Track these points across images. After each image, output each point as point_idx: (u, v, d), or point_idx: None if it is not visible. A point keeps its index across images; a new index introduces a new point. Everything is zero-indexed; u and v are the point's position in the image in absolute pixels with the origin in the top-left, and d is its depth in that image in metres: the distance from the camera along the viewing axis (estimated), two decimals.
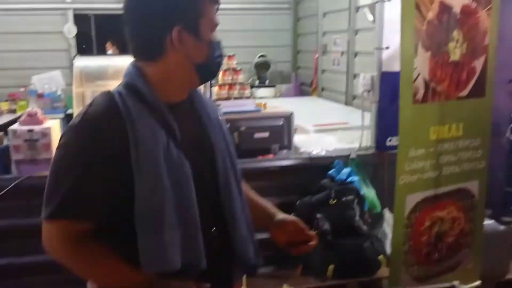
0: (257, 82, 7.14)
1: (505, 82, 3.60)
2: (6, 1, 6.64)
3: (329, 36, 6.44)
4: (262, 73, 7.23)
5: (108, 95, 1.16)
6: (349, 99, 5.69)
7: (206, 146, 1.25)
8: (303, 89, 7.40)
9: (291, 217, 1.41)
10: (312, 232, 1.39)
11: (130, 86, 1.17)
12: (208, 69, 1.23)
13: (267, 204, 1.46)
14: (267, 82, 7.19)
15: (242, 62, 7.12)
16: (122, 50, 8.87)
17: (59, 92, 5.90)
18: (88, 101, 1.37)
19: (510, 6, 3.60)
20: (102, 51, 7.73)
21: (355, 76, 5.62)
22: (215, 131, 1.28)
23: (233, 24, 7.43)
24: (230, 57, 3.82)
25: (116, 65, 3.44)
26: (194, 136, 1.23)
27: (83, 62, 4.00)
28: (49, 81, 5.98)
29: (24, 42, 6.69)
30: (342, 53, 5.97)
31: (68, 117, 5.19)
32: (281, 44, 7.75)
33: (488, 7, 3.16)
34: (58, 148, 1.14)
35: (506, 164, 3.53)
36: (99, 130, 1.10)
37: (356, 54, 5.64)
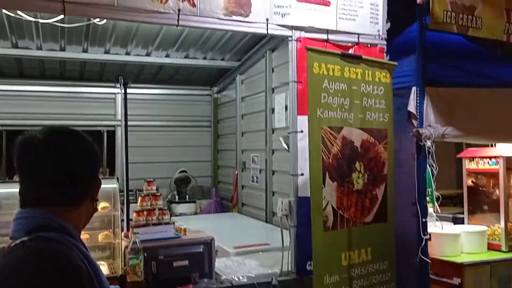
0: (177, 198, 7.12)
1: (409, 204, 3.93)
2: None
3: (247, 153, 6.74)
4: (183, 188, 7.26)
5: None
6: (269, 216, 5.83)
7: None
8: (224, 204, 7.48)
9: None
10: None
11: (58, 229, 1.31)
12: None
13: None
14: (187, 197, 7.20)
15: (162, 177, 7.21)
16: None
17: None
18: None
19: (407, 136, 4.09)
20: (11, 165, 7.62)
21: (273, 193, 5.83)
22: None
23: (154, 140, 7.58)
24: (149, 182, 3.82)
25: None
26: None
27: None
28: None
29: None
30: (261, 170, 6.23)
31: None
32: (201, 159, 7.95)
33: (385, 141, 3.57)
34: None
35: (418, 283, 3.71)
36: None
37: (273, 172, 5.91)
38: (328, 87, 3.37)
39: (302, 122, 3.86)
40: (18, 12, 4.34)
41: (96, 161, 1.53)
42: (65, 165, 1.39)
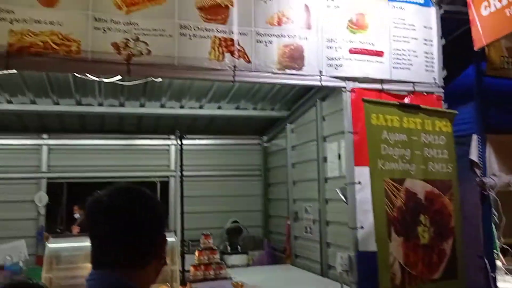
0: (229, 249, 7.06)
1: (474, 257, 3.71)
2: None
3: (300, 203, 6.65)
4: (234, 238, 7.21)
5: None
6: (325, 269, 5.64)
7: None
8: (276, 255, 7.33)
9: None
10: None
11: None
12: None
13: None
14: (239, 248, 7.13)
15: (214, 227, 7.22)
16: None
17: (20, 264, 5.63)
18: None
19: (469, 185, 3.92)
20: (70, 215, 7.99)
21: (328, 245, 5.67)
22: None
23: (205, 190, 7.66)
24: (206, 236, 3.83)
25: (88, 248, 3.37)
26: None
27: (56, 245, 3.91)
28: (11, 251, 5.75)
29: None
30: (314, 221, 6.11)
31: None
32: (252, 209, 7.91)
33: (449, 192, 3.43)
34: None
35: None
36: None
37: (328, 223, 5.77)
38: (388, 138, 3.32)
39: (360, 173, 3.80)
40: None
41: (163, 219, 1.55)
42: (133, 226, 1.41)
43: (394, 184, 3.21)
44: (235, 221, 7.32)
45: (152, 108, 6.74)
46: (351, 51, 4.09)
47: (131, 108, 6.66)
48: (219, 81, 5.11)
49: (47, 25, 3.45)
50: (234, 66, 3.82)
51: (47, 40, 3.43)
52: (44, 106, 6.30)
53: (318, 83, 4.03)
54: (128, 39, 3.63)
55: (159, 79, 5.19)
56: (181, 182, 5.24)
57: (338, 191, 4.13)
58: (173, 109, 6.84)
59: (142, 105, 6.65)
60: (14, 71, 4.11)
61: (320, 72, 3.99)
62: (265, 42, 3.90)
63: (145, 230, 1.44)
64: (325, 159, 5.91)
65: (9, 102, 6.11)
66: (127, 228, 1.41)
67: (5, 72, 4.35)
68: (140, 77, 4.76)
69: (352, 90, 4.07)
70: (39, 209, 6.85)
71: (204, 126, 7.71)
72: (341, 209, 5.14)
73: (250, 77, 3.92)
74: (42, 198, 6.83)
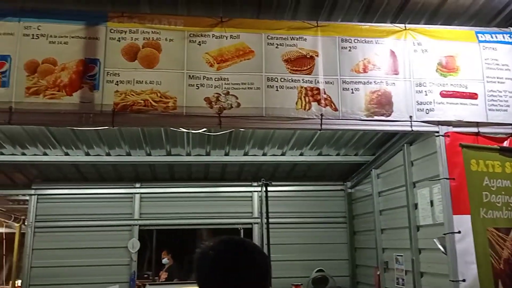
0: None
1: None
2: (80, 219, 7.20)
3: (389, 252, 6.33)
4: None
5: None
6: None
7: None
8: None
9: None
10: None
11: None
12: None
13: None
14: None
15: (298, 276, 7.07)
16: (174, 258, 9.34)
17: None
18: None
19: None
20: (159, 259, 8.38)
21: None
22: None
23: (288, 238, 7.56)
24: (296, 286, 3.74)
25: None
26: None
27: None
28: None
29: (88, 257, 6.98)
30: (406, 272, 5.76)
31: None
32: (338, 257, 7.65)
33: None
34: None
35: None
36: None
37: (422, 274, 5.42)
38: (489, 184, 3.12)
39: (459, 221, 3.56)
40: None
41: (265, 271, 1.55)
42: (240, 278, 1.44)
43: (499, 233, 2.98)
44: (320, 270, 7.12)
45: (236, 156, 6.93)
46: (443, 95, 3.97)
47: (216, 157, 6.90)
48: (305, 130, 5.16)
49: (147, 84, 3.75)
50: (321, 115, 3.85)
51: (147, 98, 3.72)
52: (138, 157, 6.73)
53: (408, 129, 3.92)
54: (219, 94, 3.82)
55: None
56: (268, 230, 5.23)
57: (436, 241, 3.88)
58: (256, 156, 6.97)
59: (226, 154, 6.86)
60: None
61: (410, 117, 3.90)
62: (352, 89, 3.91)
63: (251, 281, 1.46)
64: (415, 206, 5.63)
65: (108, 154, 6.60)
66: (234, 280, 1.44)
67: (106, 128, 4.73)
68: (229, 128, 4.94)
69: (446, 135, 3.90)
70: (131, 255, 7.15)
71: (286, 173, 7.74)
72: (437, 259, 4.81)
73: (337, 125, 3.92)
74: (134, 244, 7.15)
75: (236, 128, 4.84)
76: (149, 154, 6.73)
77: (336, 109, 3.88)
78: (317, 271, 7.11)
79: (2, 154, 6.33)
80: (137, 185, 7.57)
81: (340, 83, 3.91)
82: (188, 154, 6.78)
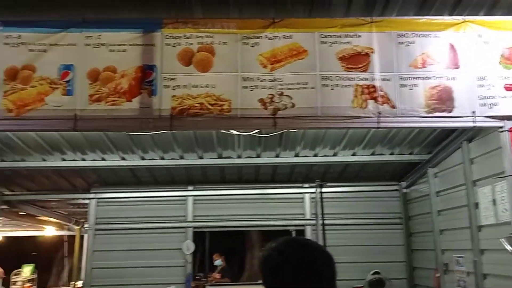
0: None
1: None
2: (136, 221, 7.42)
3: (449, 253, 6.09)
4: None
5: None
6: None
7: None
8: None
9: None
10: None
11: None
12: None
13: None
14: None
15: (354, 279, 6.94)
16: (227, 260, 9.44)
17: None
18: None
19: None
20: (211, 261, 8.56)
21: None
22: None
23: (341, 240, 7.43)
24: None
25: None
26: None
27: None
28: None
29: (145, 258, 7.18)
30: (468, 273, 5.52)
31: None
32: (394, 259, 7.44)
33: None
34: None
35: None
36: None
37: (485, 276, 5.17)
38: None
39: None
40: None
41: (332, 272, 1.52)
42: (305, 279, 1.43)
43: None
44: (376, 273, 6.95)
45: (286, 158, 6.91)
46: (507, 88, 3.77)
47: (267, 159, 6.90)
48: (362, 128, 5.07)
49: (203, 88, 3.81)
50: (379, 112, 3.77)
51: (203, 101, 3.78)
52: (191, 160, 6.85)
53: (471, 124, 3.76)
54: (273, 95, 3.82)
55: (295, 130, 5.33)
56: (323, 232, 5.17)
57: (504, 241, 3.69)
58: (307, 157, 6.92)
59: (277, 155, 6.85)
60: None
61: (473, 112, 3.74)
62: (410, 85, 3.79)
63: (318, 282, 1.43)
64: (476, 205, 5.39)
65: (162, 158, 6.76)
66: (301, 281, 1.42)
67: (162, 132, 4.85)
68: (284, 129, 4.93)
69: (511, 130, 3.71)
70: (186, 257, 7.28)
71: (337, 174, 7.63)
72: (503, 260, 4.57)
73: (395, 123, 3.82)
74: (189, 246, 7.28)
75: (291, 129, 4.82)
76: (201, 157, 6.83)
77: (393, 107, 3.78)
78: (373, 274, 6.94)
79: (64, 160, 6.62)
80: (190, 187, 7.70)
81: (398, 79, 3.81)
82: (239, 157, 6.82)
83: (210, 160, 6.87)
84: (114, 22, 3.92)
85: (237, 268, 12.13)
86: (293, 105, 3.81)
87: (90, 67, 3.82)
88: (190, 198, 7.66)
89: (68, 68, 3.80)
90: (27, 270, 10.55)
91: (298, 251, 1.51)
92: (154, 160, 6.82)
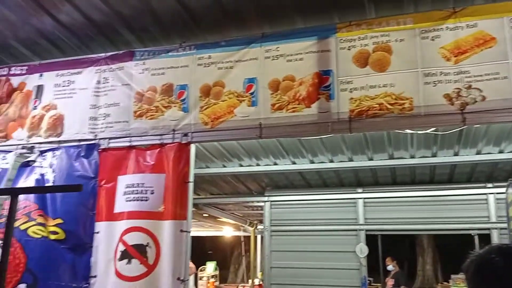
0: None
1: None
2: (308, 223, 7.64)
3: None
4: None
5: None
6: None
7: None
8: None
9: None
10: None
11: None
12: None
13: None
14: None
15: None
16: (401, 266, 9.04)
17: None
18: None
19: None
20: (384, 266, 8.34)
21: None
22: None
23: None
24: None
25: None
26: None
27: None
28: None
29: (320, 260, 7.33)
30: None
31: None
32: None
33: None
34: None
35: None
36: None
37: None
38: None
39: None
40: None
41: None
42: None
43: None
44: None
45: (466, 156, 6.36)
46: None
47: (444, 158, 6.45)
48: None
49: (381, 88, 3.75)
50: None
51: (382, 101, 3.71)
52: (360, 162, 6.78)
53: None
54: (460, 88, 3.57)
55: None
56: None
57: None
58: (491, 154, 6.26)
59: (456, 154, 6.35)
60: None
61: None
62: None
63: None
64: None
65: (331, 161, 6.84)
66: None
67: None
68: (474, 125, 4.56)
69: None
70: (360, 260, 7.22)
71: None
72: None
73: None
74: (363, 249, 7.21)
75: (482, 124, 4.45)
76: (371, 159, 6.70)
77: None
78: None
79: (241, 165, 7.18)
80: (359, 190, 7.63)
81: None
82: (412, 157, 6.51)
83: (380, 161, 6.71)
84: (290, 33, 4.11)
85: (409, 273, 11.60)
86: (483, 98, 3.49)
87: (270, 78, 4.06)
88: (360, 201, 7.60)
89: (251, 81, 4.11)
90: (210, 267, 11.68)
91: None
92: (323, 163, 6.93)
